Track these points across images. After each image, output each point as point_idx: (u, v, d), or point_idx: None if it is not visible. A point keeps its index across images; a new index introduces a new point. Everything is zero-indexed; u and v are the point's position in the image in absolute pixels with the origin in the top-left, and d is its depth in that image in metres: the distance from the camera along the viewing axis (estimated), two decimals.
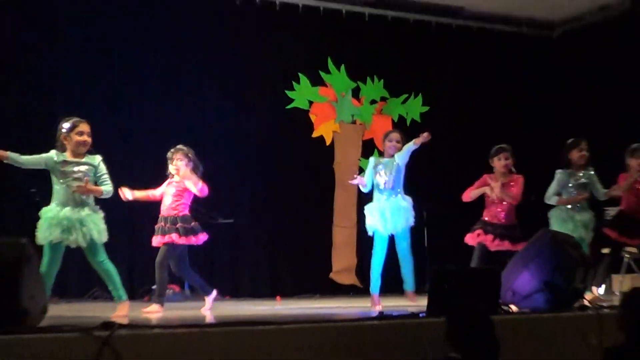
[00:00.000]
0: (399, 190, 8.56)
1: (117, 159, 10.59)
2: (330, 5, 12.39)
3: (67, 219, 7.02)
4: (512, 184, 8.48)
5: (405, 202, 8.53)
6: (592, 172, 8.88)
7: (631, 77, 12.12)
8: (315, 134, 12.29)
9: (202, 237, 8.32)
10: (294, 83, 12.09)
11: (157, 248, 8.16)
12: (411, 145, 8.34)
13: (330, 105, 12.38)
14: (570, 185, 8.77)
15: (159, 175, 8.60)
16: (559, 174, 8.81)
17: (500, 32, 13.53)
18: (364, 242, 11.85)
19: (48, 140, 7.35)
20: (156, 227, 8.21)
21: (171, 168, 8.29)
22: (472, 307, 4.86)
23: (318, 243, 12.15)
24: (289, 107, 12.04)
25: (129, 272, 10.94)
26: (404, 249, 8.48)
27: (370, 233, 8.58)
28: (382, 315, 5.68)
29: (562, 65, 13.47)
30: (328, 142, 12.37)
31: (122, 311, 7.09)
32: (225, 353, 4.62)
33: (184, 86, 11.64)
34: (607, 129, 11.60)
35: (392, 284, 8.89)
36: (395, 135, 8.70)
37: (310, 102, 12.24)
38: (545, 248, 6.50)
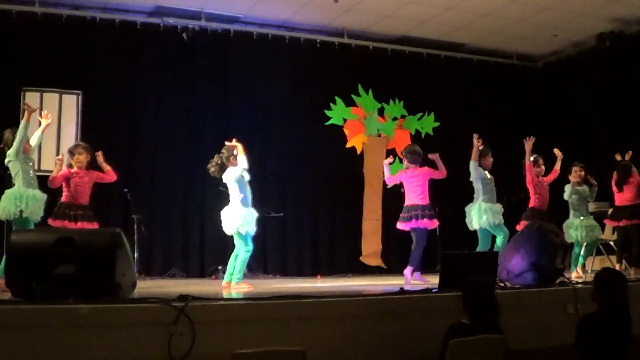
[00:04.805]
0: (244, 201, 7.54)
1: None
2: (361, 42, 12.35)
3: None
4: None
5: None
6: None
7: (598, 96, 12.22)
8: (348, 145, 12.23)
9: None
10: (331, 104, 12.05)
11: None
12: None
13: (360, 122, 12.32)
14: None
15: None
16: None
17: (495, 63, 13.46)
18: (388, 232, 11.89)
19: None
20: None
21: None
22: (481, 283, 4.83)
23: (350, 232, 12.07)
24: (327, 123, 12.01)
25: (201, 253, 11.00)
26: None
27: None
28: (402, 290, 5.57)
29: (545, 89, 13.41)
30: (359, 152, 12.31)
31: None
32: (276, 320, 4.63)
33: (254, 108, 11.73)
34: (580, 138, 11.61)
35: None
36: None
37: (345, 120, 12.19)
38: (533, 236, 6.45)
